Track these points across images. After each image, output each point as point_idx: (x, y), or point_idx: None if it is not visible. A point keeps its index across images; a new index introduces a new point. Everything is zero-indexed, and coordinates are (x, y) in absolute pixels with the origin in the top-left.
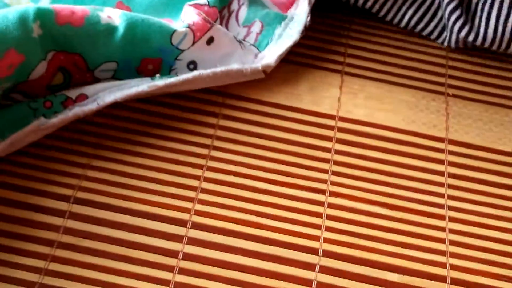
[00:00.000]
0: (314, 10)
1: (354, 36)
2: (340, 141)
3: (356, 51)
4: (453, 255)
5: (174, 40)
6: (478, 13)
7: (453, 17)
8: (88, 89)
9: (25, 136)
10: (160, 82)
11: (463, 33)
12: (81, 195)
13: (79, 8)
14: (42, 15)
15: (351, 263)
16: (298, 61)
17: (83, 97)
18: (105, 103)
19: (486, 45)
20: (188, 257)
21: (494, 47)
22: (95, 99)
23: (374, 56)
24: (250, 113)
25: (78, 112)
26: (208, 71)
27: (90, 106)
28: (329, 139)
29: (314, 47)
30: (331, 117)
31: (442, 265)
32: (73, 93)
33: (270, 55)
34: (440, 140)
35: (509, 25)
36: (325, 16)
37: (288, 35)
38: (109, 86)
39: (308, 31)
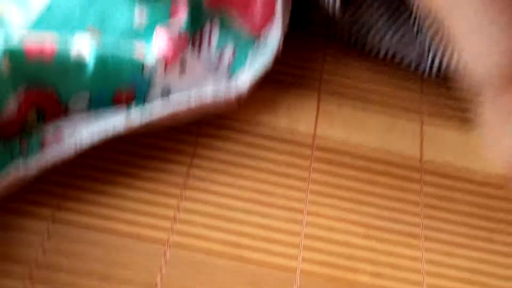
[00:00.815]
0: (291, 28)
1: (331, 53)
2: (318, 160)
3: (333, 68)
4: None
5: (145, 69)
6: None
7: (435, 49)
8: (64, 125)
9: (3, 186)
10: (135, 118)
11: (445, 63)
12: (55, 227)
13: (48, 43)
14: (10, 52)
15: (329, 281)
16: (275, 79)
17: (59, 135)
18: (83, 145)
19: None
20: (167, 277)
21: None
22: (72, 138)
23: (351, 75)
24: (226, 130)
25: (56, 156)
26: (183, 106)
27: (68, 148)
28: (306, 158)
29: (291, 65)
30: (308, 136)
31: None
32: (49, 131)
33: (243, 81)
34: (415, 161)
35: None
36: (302, 34)
37: (260, 59)
38: (85, 121)
39: (285, 49)
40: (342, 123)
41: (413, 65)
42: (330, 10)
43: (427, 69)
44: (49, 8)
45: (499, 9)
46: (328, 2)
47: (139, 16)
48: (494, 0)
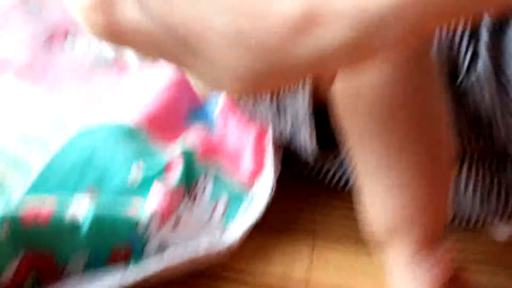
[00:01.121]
0: (282, 173)
1: (322, 202)
2: None
3: (325, 214)
4: None
5: (140, 227)
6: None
7: None
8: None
9: None
10: (130, 276)
11: None
12: None
13: (45, 208)
14: (9, 218)
15: None
16: (268, 225)
17: None
18: None
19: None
20: None
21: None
22: None
23: (342, 223)
24: (219, 280)
25: None
26: (177, 261)
27: None
28: None
29: (283, 211)
30: (302, 283)
31: None
32: None
33: (235, 232)
34: None
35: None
36: (293, 179)
37: (252, 210)
38: (80, 284)
39: (277, 193)
40: (336, 268)
41: None
42: (307, 156)
43: None
44: (48, 169)
45: (399, 147)
46: (303, 150)
47: (136, 171)
48: (394, 134)
